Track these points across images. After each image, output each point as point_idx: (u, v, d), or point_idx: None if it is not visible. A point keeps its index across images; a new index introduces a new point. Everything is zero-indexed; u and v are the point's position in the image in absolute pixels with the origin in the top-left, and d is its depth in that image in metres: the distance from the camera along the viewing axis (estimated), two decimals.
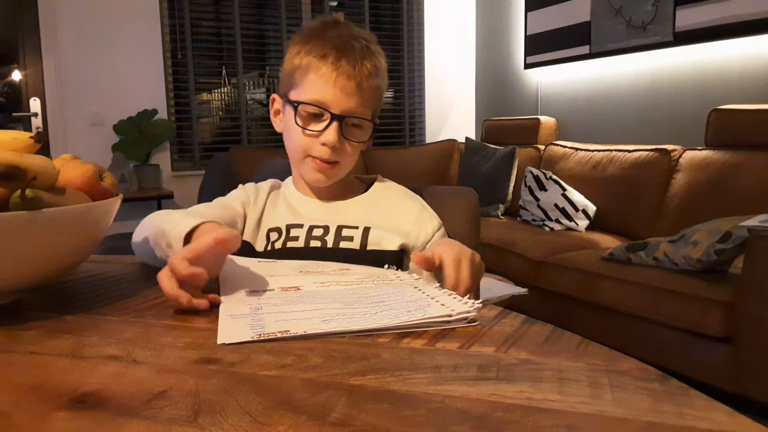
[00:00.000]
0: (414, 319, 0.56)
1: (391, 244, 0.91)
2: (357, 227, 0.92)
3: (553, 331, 0.55)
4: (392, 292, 0.66)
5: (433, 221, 0.95)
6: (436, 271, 0.75)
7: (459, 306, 0.59)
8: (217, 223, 0.74)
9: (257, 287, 0.68)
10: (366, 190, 1.00)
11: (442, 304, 0.60)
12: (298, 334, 0.53)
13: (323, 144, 0.89)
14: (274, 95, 0.97)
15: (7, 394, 0.43)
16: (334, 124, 0.88)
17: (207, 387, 0.43)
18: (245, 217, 0.97)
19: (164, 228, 0.73)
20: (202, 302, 0.61)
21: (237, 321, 0.57)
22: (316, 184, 0.95)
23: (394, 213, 0.95)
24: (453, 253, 0.73)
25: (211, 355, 0.50)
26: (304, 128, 0.89)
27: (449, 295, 0.64)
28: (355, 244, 0.91)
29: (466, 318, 0.57)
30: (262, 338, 0.53)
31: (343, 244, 0.91)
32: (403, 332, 0.55)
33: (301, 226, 0.93)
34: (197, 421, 0.38)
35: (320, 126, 0.89)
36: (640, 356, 0.49)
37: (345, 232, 0.92)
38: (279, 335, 0.53)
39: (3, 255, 0.57)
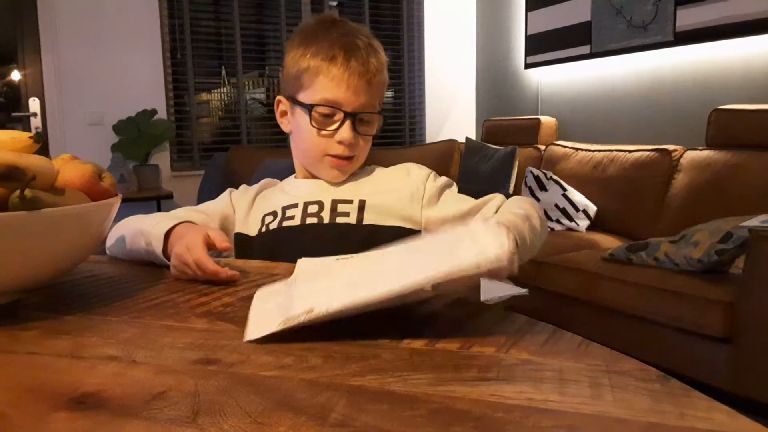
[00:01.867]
0: (441, 271, 0.50)
1: (388, 218, 0.91)
2: (351, 201, 0.92)
3: (553, 331, 0.55)
4: (433, 238, 0.61)
5: (420, 173, 0.97)
6: None
7: (492, 245, 0.50)
8: (192, 223, 0.82)
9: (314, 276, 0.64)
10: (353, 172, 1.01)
11: (473, 240, 0.53)
12: (321, 313, 0.51)
13: (339, 142, 0.92)
14: (279, 97, 0.98)
15: (6, 394, 0.43)
16: (348, 122, 0.91)
17: (206, 387, 0.43)
18: (234, 216, 0.98)
19: (143, 228, 0.82)
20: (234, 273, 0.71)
21: (266, 309, 0.56)
22: (334, 179, 0.96)
23: (384, 181, 0.97)
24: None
25: (211, 356, 0.49)
26: (320, 129, 0.92)
27: (485, 227, 0.55)
28: (352, 219, 0.91)
29: (498, 266, 0.50)
30: (288, 325, 0.51)
31: (339, 220, 0.91)
32: (402, 333, 0.55)
33: (296, 205, 0.94)
34: (197, 421, 0.38)
35: (333, 125, 0.91)
36: (640, 357, 0.49)
37: (340, 207, 0.92)
38: (304, 317, 0.51)
39: (2, 255, 0.57)
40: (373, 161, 0.98)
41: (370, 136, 0.95)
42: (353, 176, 0.98)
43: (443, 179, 0.98)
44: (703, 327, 1.81)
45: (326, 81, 0.90)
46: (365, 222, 0.90)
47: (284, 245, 0.86)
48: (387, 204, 0.92)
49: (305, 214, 0.92)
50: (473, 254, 0.51)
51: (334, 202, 0.92)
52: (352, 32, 0.92)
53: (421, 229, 0.93)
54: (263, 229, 0.93)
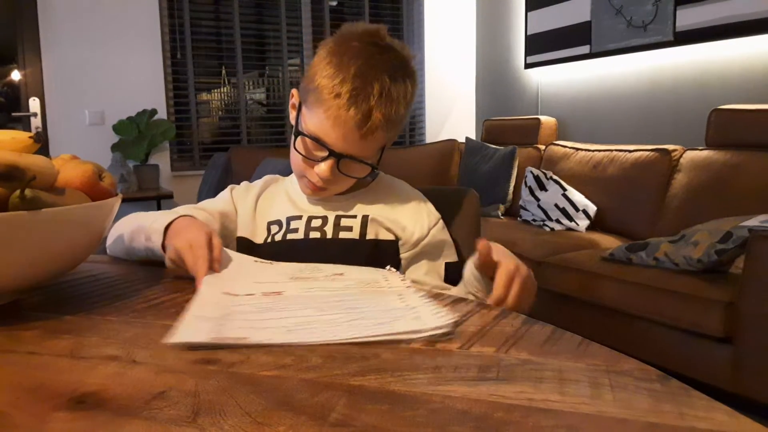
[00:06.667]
0: (379, 333, 0.53)
1: (390, 233, 0.92)
2: (355, 216, 0.92)
3: (553, 331, 0.55)
4: (372, 299, 0.64)
5: (430, 217, 0.94)
6: (487, 276, 0.77)
7: (432, 321, 0.55)
8: (191, 217, 0.82)
9: (238, 290, 0.66)
10: (366, 186, 0.98)
11: (415, 317, 0.57)
12: (254, 342, 0.51)
13: (317, 173, 0.87)
14: (294, 90, 0.92)
15: (6, 394, 0.43)
16: (331, 161, 0.85)
17: (207, 387, 0.43)
18: (236, 215, 0.97)
19: (142, 225, 0.82)
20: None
21: (199, 322, 0.56)
22: (309, 196, 0.95)
23: (392, 208, 0.94)
24: (509, 268, 0.74)
25: (211, 356, 0.49)
26: (303, 156, 0.88)
27: (428, 306, 0.60)
28: (354, 234, 0.90)
29: (434, 335, 0.53)
30: (214, 342, 0.51)
31: (342, 234, 0.91)
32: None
33: (300, 217, 0.93)
34: (197, 421, 0.38)
35: (318, 155, 0.87)
36: (640, 356, 0.49)
37: (344, 222, 0.92)
38: (232, 342, 0.51)
39: (2, 255, 0.57)
40: None
41: (353, 177, 0.89)
42: (362, 193, 0.96)
43: (444, 237, 0.95)
44: (702, 327, 1.81)
45: (322, 115, 0.82)
46: (368, 237, 0.90)
47: (288, 259, 0.85)
48: (390, 220, 0.92)
49: (309, 227, 0.92)
50: (412, 327, 0.54)
51: (338, 218, 0.92)
52: (375, 69, 0.81)
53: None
54: (269, 239, 0.93)
